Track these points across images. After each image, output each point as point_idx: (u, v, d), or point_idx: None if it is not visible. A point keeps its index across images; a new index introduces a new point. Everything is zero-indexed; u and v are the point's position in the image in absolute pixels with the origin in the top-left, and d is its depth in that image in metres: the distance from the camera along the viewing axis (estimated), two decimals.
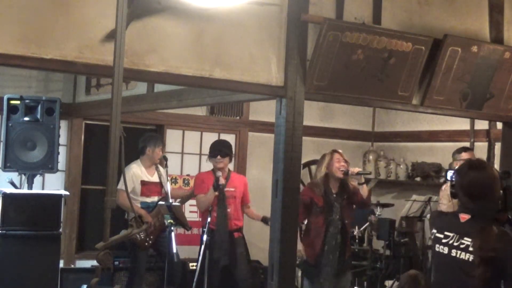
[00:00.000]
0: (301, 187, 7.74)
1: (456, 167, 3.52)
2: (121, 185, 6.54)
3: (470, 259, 3.18)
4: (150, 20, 4.18)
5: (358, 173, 5.94)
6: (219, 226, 6.42)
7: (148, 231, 6.72)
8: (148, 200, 6.83)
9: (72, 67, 4.03)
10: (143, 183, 6.82)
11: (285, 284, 4.72)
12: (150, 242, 6.77)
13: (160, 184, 6.93)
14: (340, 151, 6.11)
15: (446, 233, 3.30)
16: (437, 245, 3.33)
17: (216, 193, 6.35)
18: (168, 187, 6.65)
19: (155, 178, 6.90)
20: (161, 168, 7.02)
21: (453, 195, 3.36)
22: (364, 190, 6.01)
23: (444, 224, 3.34)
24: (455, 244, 3.24)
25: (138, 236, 6.64)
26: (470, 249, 3.19)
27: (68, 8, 3.95)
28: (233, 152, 6.87)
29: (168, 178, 6.77)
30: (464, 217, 3.27)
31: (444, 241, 3.29)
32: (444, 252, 3.28)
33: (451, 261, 3.25)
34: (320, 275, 5.92)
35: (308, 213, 6.00)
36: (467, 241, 3.21)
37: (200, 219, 7.19)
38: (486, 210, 3.22)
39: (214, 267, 6.43)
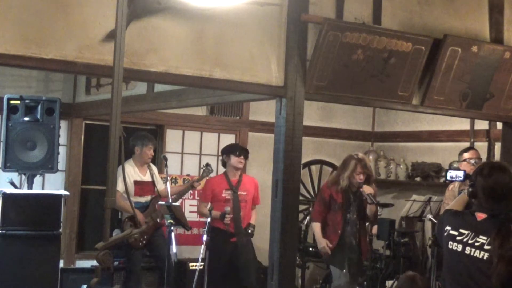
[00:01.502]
0: (301, 187, 7.76)
1: (475, 168, 3.54)
2: (116, 185, 6.51)
3: (485, 257, 3.21)
4: (150, 20, 4.19)
5: (368, 194, 5.94)
6: (238, 230, 6.48)
7: (146, 230, 6.72)
8: (142, 199, 6.82)
9: (72, 67, 4.04)
10: (136, 182, 6.80)
11: (285, 284, 4.73)
12: (144, 242, 6.76)
13: (153, 183, 6.92)
14: (364, 158, 6.15)
15: (461, 230, 3.32)
16: (450, 242, 3.34)
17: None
18: (168, 186, 6.63)
19: (147, 178, 6.88)
20: (153, 167, 7.01)
21: (472, 194, 3.38)
22: (370, 209, 6.05)
23: (459, 222, 3.36)
24: (470, 241, 3.27)
25: (132, 236, 6.62)
26: (486, 247, 3.22)
27: (68, 8, 3.95)
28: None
29: (168, 178, 6.75)
30: (481, 216, 3.30)
31: (458, 238, 3.31)
32: (458, 249, 3.30)
33: (465, 258, 3.28)
34: (344, 260, 6.01)
35: (327, 211, 6.09)
36: (482, 239, 3.24)
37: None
38: (506, 210, 3.25)
39: (219, 268, 6.47)
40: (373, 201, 5.94)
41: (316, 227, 6.11)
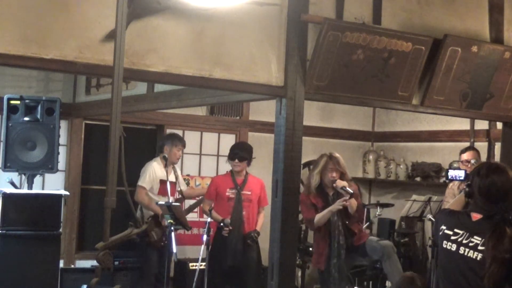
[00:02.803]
0: (301, 187, 7.73)
1: (473, 168, 3.54)
2: (142, 182, 6.52)
3: (478, 258, 3.21)
4: (150, 20, 4.19)
5: (341, 188, 5.65)
6: (233, 229, 6.43)
7: (166, 231, 6.72)
8: (163, 200, 6.81)
9: (72, 67, 4.04)
10: (162, 181, 6.81)
11: (285, 284, 4.73)
12: (166, 242, 6.76)
13: (175, 185, 6.94)
14: (336, 155, 5.81)
15: (455, 230, 3.32)
16: (444, 242, 3.35)
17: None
18: (168, 186, 6.60)
19: (171, 178, 6.85)
20: (177, 168, 7.04)
21: (468, 195, 3.37)
22: (351, 206, 5.67)
23: (454, 222, 3.36)
24: (464, 241, 3.27)
25: (154, 235, 6.65)
26: (480, 248, 3.21)
27: (68, 8, 3.95)
28: (252, 155, 6.78)
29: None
30: (476, 216, 3.30)
31: (453, 238, 3.31)
32: (452, 249, 3.31)
33: (459, 258, 3.28)
34: (328, 283, 5.72)
35: (316, 210, 5.78)
36: (476, 239, 3.24)
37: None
38: (501, 211, 3.25)
39: (221, 267, 6.44)
40: (347, 192, 5.58)
41: (317, 216, 5.67)
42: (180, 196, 6.94)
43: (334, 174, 5.73)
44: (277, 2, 4.63)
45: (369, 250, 5.80)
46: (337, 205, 5.63)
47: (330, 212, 5.66)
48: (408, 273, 4.39)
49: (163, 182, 6.80)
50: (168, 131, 7.89)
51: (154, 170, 6.77)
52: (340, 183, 5.68)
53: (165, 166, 6.73)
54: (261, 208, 6.72)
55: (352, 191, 5.64)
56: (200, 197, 7.14)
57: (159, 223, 6.66)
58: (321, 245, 5.77)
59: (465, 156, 6.53)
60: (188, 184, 7.81)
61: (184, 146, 7.01)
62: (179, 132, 7.97)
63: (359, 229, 5.84)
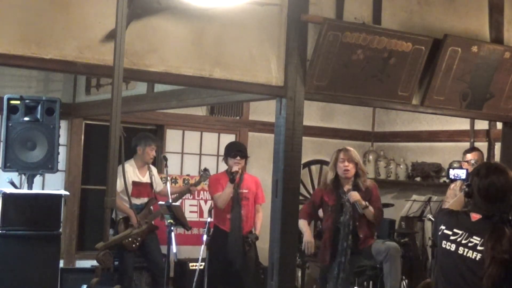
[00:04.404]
0: (301, 187, 7.74)
1: (473, 168, 3.54)
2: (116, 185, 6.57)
3: (477, 258, 3.21)
4: (150, 20, 4.19)
5: (354, 202, 5.65)
6: (233, 228, 6.43)
7: (134, 232, 6.71)
8: (138, 201, 6.81)
9: (72, 67, 4.03)
10: (134, 183, 6.79)
11: (285, 284, 4.72)
12: (138, 244, 6.75)
13: (151, 185, 6.92)
14: (348, 149, 5.84)
15: (455, 230, 3.33)
16: (444, 242, 3.35)
17: (232, 186, 6.36)
18: (168, 186, 6.63)
19: (146, 179, 6.86)
20: (153, 168, 7.01)
21: (468, 194, 3.38)
22: (368, 213, 5.70)
23: (453, 222, 3.37)
24: (463, 242, 3.27)
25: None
26: (479, 248, 3.22)
27: (68, 8, 3.95)
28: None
29: (168, 178, 6.75)
30: (475, 216, 3.31)
31: (452, 238, 3.32)
32: (451, 249, 3.31)
33: (457, 258, 3.28)
34: (330, 280, 5.74)
35: (315, 212, 5.91)
36: (476, 240, 3.24)
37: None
38: (500, 212, 3.25)
39: (219, 267, 6.44)
40: (359, 209, 5.62)
41: (301, 222, 5.73)
42: (153, 196, 6.92)
43: (346, 163, 5.74)
44: (277, 2, 4.63)
45: (374, 252, 5.80)
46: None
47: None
48: (428, 279, 4.38)
49: (136, 184, 6.80)
50: (168, 131, 7.90)
51: (125, 171, 6.70)
52: (355, 196, 5.66)
53: (165, 166, 6.73)
54: (259, 205, 6.73)
55: (361, 209, 5.63)
56: (182, 190, 7.13)
57: (128, 226, 6.63)
58: (328, 244, 5.76)
59: (470, 156, 6.55)
60: (188, 184, 7.82)
61: (157, 145, 7.00)
62: (179, 132, 7.99)
63: (364, 234, 5.80)
